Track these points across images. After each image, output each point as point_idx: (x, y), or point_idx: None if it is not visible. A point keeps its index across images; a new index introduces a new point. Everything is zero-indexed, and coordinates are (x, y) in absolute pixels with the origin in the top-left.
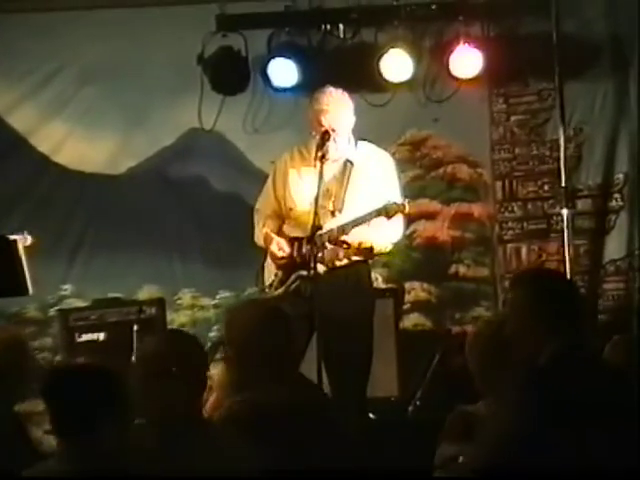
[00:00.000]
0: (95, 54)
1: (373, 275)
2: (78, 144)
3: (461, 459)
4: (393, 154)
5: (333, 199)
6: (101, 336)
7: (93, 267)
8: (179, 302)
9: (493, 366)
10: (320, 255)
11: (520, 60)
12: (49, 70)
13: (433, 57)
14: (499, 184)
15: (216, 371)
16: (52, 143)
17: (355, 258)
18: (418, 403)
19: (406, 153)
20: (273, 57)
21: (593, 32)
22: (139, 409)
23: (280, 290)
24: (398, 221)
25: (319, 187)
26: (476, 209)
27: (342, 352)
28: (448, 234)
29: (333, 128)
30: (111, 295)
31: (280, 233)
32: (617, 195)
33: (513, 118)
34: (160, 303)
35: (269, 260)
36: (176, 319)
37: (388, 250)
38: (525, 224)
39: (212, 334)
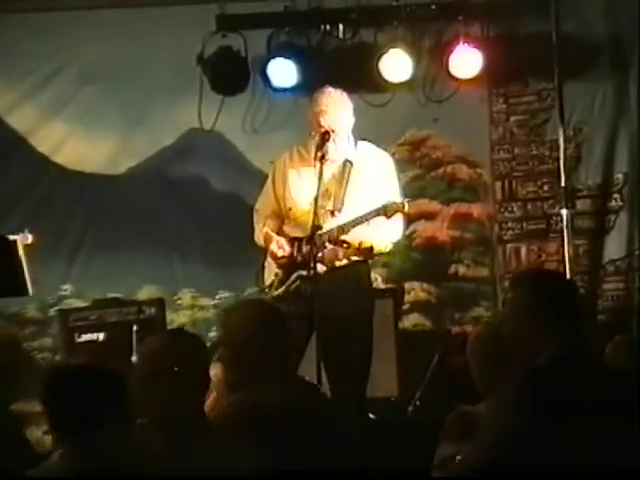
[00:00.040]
0: (95, 54)
1: (373, 275)
2: (78, 144)
3: (458, 458)
4: (393, 154)
5: (333, 199)
6: (101, 336)
7: (93, 267)
8: (179, 302)
9: (494, 367)
10: (320, 255)
11: (520, 60)
12: (49, 70)
13: (433, 57)
14: (499, 184)
15: (215, 371)
16: (52, 143)
17: (355, 258)
18: (418, 403)
19: (406, 153)
20: (273, 57)
21: (593, 32)
22: (142, 409)
23: (280, 290)
24: (398, 221)
25: (318, 187)
26: (476, 209)
27: (342, 352)
28: (448, 234)
29: (332, 129)
30: (111, 295)
31: (280, 233)
32: (617, 195)
33: (513, 118)
34: (160, 303)
35: (269, 260)
36: (176, 319)
37: (388, 250)
38: (525, 224)
39: (212, 334)
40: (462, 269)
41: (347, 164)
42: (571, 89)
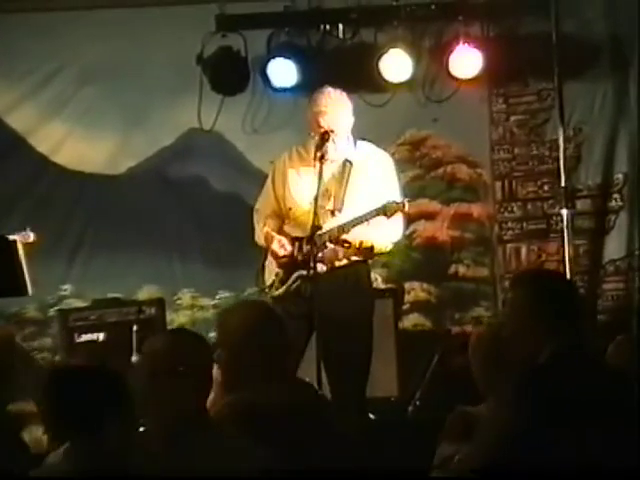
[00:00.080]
0: (95, 54)
1: (373, 275)
2: (77, 144)
3: (457, 458)
4: (393, 154)
5: (333, 199)
6: (101, 336)
7: (93, 267)
8: (179, 302)
9: (496, 369)
10: (320, 255)
11: (520, 60)
12: (49, 70)
13: (433, 57)
14: (499, 184)
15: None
16: (51, 143)
17: (354, 258)
18: (418, 403)
19: (406, 153)
20: (272, 57)
21: (593, 32)
22: (145, 409)
23: (281, 290)
24: (398, 220)
25: (318, 187)
26: (476, 209)
27: (342, 352)
28: (448, 234)
29: (332, 129)
30: (111, 295)
31: (281, 233)
32: (617, 195)
33: (513, 118)
34: (160, 303)
35: (269, 260)
36: (176, 319)
37: (388, 250)
38: (525, 224)
39: (212, 334)
40: (462, 269)
41: (347, 164)
42: (571, 89)
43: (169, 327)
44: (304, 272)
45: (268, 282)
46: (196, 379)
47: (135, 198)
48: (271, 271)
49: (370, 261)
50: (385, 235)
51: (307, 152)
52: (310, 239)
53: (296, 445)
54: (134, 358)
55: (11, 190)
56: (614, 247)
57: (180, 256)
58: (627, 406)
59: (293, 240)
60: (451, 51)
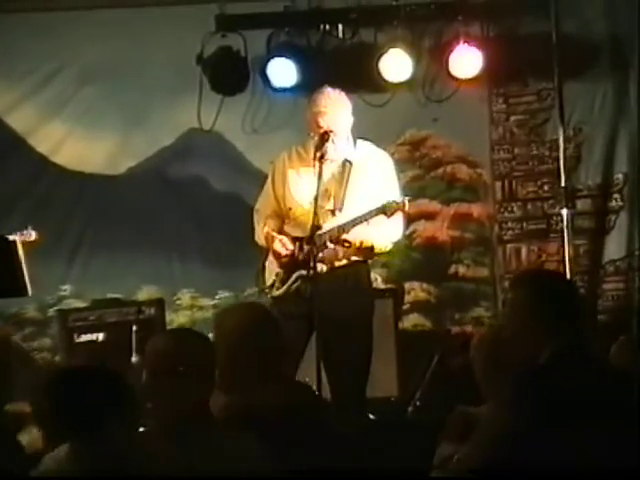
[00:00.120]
0: (95, 54)
1: (373, 275)
2: (77, 144)
3: (457, 458)
4: (392, 154)
5: (332, 199)
6: (100, 336)
7: (92, 267)
8: (178, 302)
9: (498, 370)
10: (320, 255)
11: (520, 60)
12: (49, 70)
13: (432, 57)
14: (499, 184)
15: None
16: (51, 143)
17: (354, 258)
18: (418, 403)
19: (405, 153)
20: (272, 57)
21: (593, 32)
22: (148, 409)
23: (281, 290)
24: (398, 220)
25: (318, 187)
26: (476, 209)
27: (341, 352)
28: (448, 234)
29: (331, 129)
30: (110, 295)
31: (281, 233)
32: (617, 195)
33: (513, 118)
34: (159, 303)
35: (270, 260)
36: (175, 319)
37: (388, 249)
38: (525, 224)
39: (211, 335)
40: (462, 269)
41: (347, 164)
42: (571, 89)
43: (169, 327)
44: (305, 272)
45: (269, 282)
46: (198, 378)
47: (135, 198)
48: (271, 271)
49: (370, 261)
50: (385, 235)
51: (307, 152)
52: (310, 239)
53: (292, 446)
54: (134, 358)
55: (11, 190)
56: (614, 247)
57: (180, 256)
58: (627, 406)
59: (293, 240)
60: (451, 51)
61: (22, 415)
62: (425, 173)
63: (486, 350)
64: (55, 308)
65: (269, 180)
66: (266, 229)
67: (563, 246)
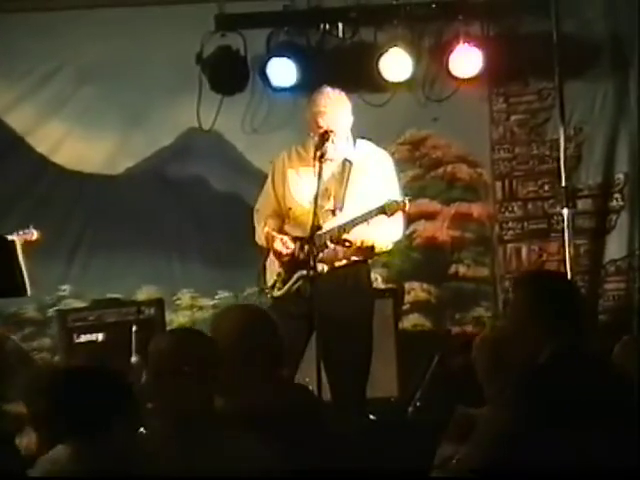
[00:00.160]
0: (95, 53)
1: (373, 275)
2: (76, 144)
3: (457, 458)
4: (392, 154)
5: (333, 198)
6: (100, 337)
7: (92, 267)
8: (178, 302)
9: (500, 370)
10: (320, 255)
11: (520, 59)
12: (47, 69)
13: (433, 56)
14: (499, 184)
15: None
16: (50, 143)
17: (354, 258)
18: (418, 404)
19: (406, 153)
20: (272, 57)
21: (593, 32)
22: (151, 409)
23: (282, 290)
24: (398, 219)
25: (318, 187)
26: (476, 209)
27: (341, 352)
28: (448, 234)
29: (331, 129)
30: (110, 295)
31: (281, 232)
32: (617, 195)
33: (513, 118)
34: (159, 303)
35: (271, 259)
36: (175, 319)
37: (389, 249)
38: (525, 224)
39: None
40: (462, 269)
41: (346, 163)
42: (571, 88)
43: (168, 327)
44: (306, 272)
45: (270, 282)
46: (204, 378)
47: (134, 198)
48: (272, 271)
49: (370, 261)
50: (386, 234)
51: (306, 152)
52: (310, 239)
53: (289, 447)
54: (133, 358)
55: (10, 190)
56: (615, 247)
57: (179, 256)
58: (627, 406)
59: (294, 240)
60: (451, 50)
61: (21, 416)
62: (425, 173)
63: (488, 351)
64: (54, 308)
65: (269, 180)
66: (266, 229)
67: (564, 246)
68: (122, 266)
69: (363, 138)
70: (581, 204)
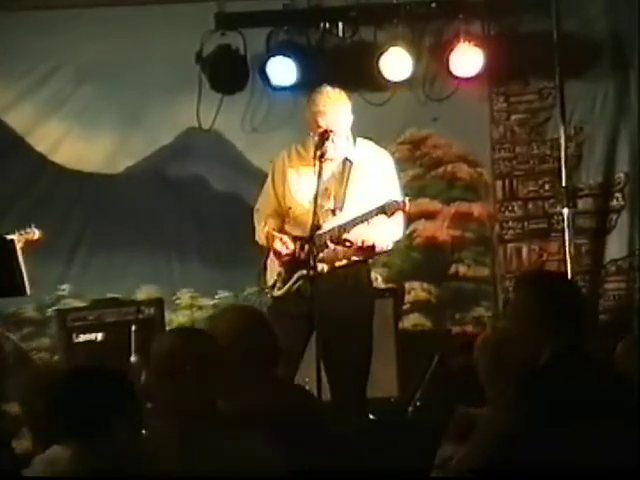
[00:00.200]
0: (95, 52)
1: (373, 275)
2: (76, 143)
3: (456, 458)
4: (393, 153)
5: (333, 198)
6: (99, 336)
7: (91, 267)
8: (177, 302)
9: (501, 371)
10: (320, 255)
11: (520, 59)
12: (46, 69)
13: (433, 56)
14: (499, 183)
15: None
16: (49, 142)
17: (355, 258)
18: (418, 404)
19: (406, 152)
20: (272, 56)
21: (594, 31)
22: (153, 409)
23: (283, 290)
24: (399, 219)
25: (318, 186)
26: (476, 209)
27: (341, 352)
28: (448, 234)
29: (331, 129)
30: (109, 295)
31: (281, 232)
32: (618, 194)
33: (513, 117)
34: (158, 303)
35: (271, 259)
36: (174, 319)
37: (389, 249)
38: (526, 224)
39: None
40: (462, 269)
41: (347, 163)
42: (572, 88)
43: (168, 327)
44: (306, 272)
45: (270, 282)
46: (203, 377)
47: (134, 198)
48: (273, 271)
49: (370, 261)
50: (386, 234)
51: (306, 151)
52: (310, 239)
53: (290, 447)
54: (133, 358)
55: (9, 189)
56: (615, 247)
57: (179, 256)
58: (627, 406)
59: (294, 239)
60: (451, 49)
61: (20, 416)
62: (425, 172)
63: (490, 352)
64: (54, 308)
65: (269, 179)
66: (266, 228)
67: (564, 246)
68: (122, 266)
69: (363, 138)
70: (581, 204)
